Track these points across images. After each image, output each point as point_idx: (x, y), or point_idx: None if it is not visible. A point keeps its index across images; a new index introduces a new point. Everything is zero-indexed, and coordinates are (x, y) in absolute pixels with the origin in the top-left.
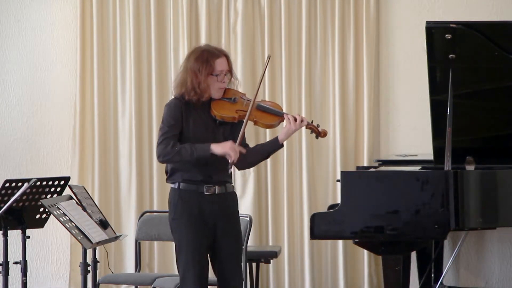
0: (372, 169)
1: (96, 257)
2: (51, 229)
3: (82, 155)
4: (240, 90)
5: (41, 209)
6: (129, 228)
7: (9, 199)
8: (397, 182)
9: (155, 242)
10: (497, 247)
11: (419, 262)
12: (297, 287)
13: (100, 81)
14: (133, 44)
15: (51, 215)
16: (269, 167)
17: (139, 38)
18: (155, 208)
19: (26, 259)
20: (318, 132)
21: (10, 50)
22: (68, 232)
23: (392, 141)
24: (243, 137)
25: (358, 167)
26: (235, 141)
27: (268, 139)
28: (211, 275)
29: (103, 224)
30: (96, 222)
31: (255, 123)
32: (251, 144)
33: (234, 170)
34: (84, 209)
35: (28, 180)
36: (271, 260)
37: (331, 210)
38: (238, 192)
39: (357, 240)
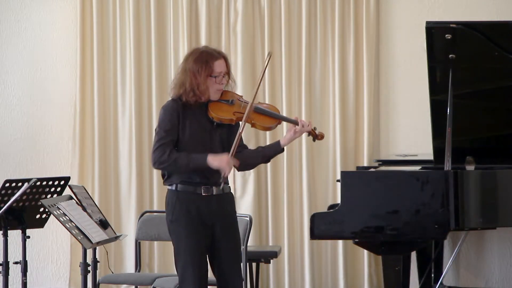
0: (372, 169)
1: (96, 257)
2: (51, 229)
3: (82, 155)
4: (240, 90)
5: (41, 209)
6: (129, 228)
7: (9, 199)
8: (397, 182)
9: (155, 242)
10: (497, 247)
11: (419, 262)
12: (297, 287)
13: (100, 81)
14: (133, 44)
15: (51, 215)
16: (269, 167)
17: (139, 38)
18: (155, 208)
19: (26, 259)
20: (315, 135)
21: (10, 50)
22: (68, 232)
23: (392, 141)
24: (240, 140)
25: (358, 167)
26: (232, 143)
27: (268, 141)
28: (211, 275)
29: (103, 224)
30: (96, 222)
31: (253, 125)
32: (251, 145)
33: (233, 170)
34: (84, 209)
35: (28, 180)
36: (271, 260)
37: (331, 210)
38: (238, 192)
39: (357, 240)
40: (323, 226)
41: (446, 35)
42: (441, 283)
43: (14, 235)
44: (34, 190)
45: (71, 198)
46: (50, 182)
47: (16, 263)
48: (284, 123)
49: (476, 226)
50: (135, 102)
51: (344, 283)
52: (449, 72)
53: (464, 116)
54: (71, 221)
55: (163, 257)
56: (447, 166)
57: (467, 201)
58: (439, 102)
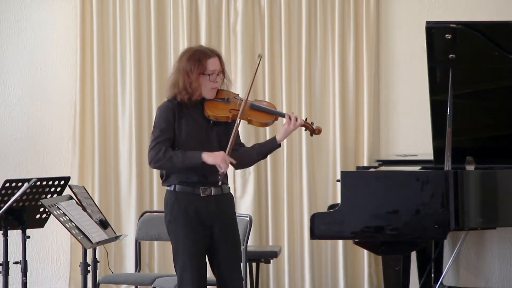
0: (372, 169)
1: (96, 257)
2: (51, 229)
3: (82, 155)
4: (240, 89)
5: (41, 209)
6: (129, 228)
7: (9, 199)
8: (397, 182)
9: (155, 242)
10: (497, 247)
11: (419, 262)
12: (297, 287)
13: (100, 81)
14: (133, 44)
15: (51, 215)
16: (269, 167)
17: (139, 38)
18: (155, 208)
19: (26, 259)
20: (312, 130)
21: (10, 50)
22: (68, 232)
23: (392, 141)
24: (237, 137)
25: (358, 167)
26: (228, 142)
27: (267, 137)
28: (210, 275)
29: (103, 224)
30: (96, 222)
31: (249, 122)
32: (250, 143)
33: (233, 170)
34: (84, 209)
35: (28, 180)
36: (271, 260)
37: (331, 210)
38: (238, 192)
39: (357, 240)
40: (323, 226)
41: (446, 35)
42: (441, 283)
43: (14, 235)
44: (34, 190)
45: (71, 198)
46: (50, 182)
47: (16, 263)
48: (284, 120)
49: (476, 226)
50: (135, 102)
51: (344, 283)
52: (449, 72)
53: (464, 116)
54: (71, 221)
55: (163, 257)
56: (447, 166)
57: (467, 201)
58: (439, 102)
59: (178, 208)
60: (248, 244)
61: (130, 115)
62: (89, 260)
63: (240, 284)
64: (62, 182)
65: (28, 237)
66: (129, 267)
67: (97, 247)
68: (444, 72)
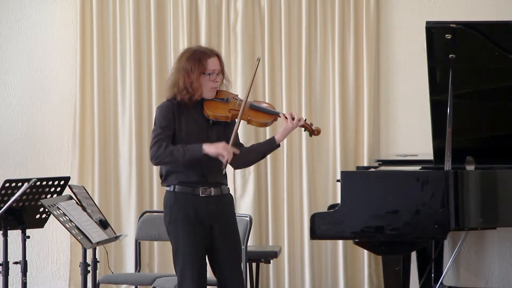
0: (372, 169)
1: (96, 257)
2: (51, 229)
3: (82, 155)
4: (240, 89)
5: (41, 209)
6: (129, 228)
7: (9, 199)
8: (397, 182)
9: (155, 242)
10: (497, 247)
11: (419, 262)
12: (297, 287)
13: (100, 81)
14: (133, 44)
15: (51, 215)
16: (269, 167)
17: (139, 38)
18: (155, 208)
19: (26, 259)
20: (311, 130)
21: (10, 50)
22: (68, 232)
23: (392, 141)
24: (236, 137)
25: (358, 167)
26: (229, 140)
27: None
28: (210, 275)
29: (103, 224)
30: (96, 222)
31: (249, 122)
32: (249, 143)
33: (233, 170)
34: (84, 209)
35: (28, 180)
36: (271, 260)
37: (331, 210)
38: (238, 192)
39: (357, 240)
40: (323, 226)
41: (446, 35)
42: (441, 283)
43: (14, 235)
44: (34, 190)
45: (71, 198)
46: (50, 182)
47: (16, 263)
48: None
49: (476, 226)
50: (135, 102)
51: (344, 283)
52: (449, 72)
53: (464, 116)
54: (71, 221)
55: (163, 257)
56: (447, 166)
57: (467, 201)
58: (439, 102)
59: (178, 208)
60: (248, 244)
61: (130, 115)
62: (89, 260)
63: (241, 284)
64: (62, 182)
65: (28, 237)
66: (129, 267)
67: (97, 247)
68: (444, 72)
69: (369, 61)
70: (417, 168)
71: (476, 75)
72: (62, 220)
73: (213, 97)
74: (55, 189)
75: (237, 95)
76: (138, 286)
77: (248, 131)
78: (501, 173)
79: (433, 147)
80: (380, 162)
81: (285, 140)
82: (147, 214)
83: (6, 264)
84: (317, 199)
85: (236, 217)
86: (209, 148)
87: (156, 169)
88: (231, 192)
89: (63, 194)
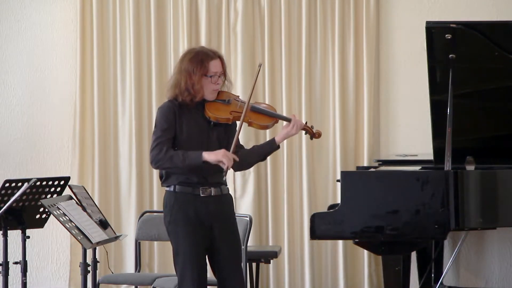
0: (372, 169)
1: (96, 257)
2: (51, 229)
3: (82, 155)
4: (240, 89)
5: (41, 209)
6: (129, 228)
7: (9, 199)
8: (397, 182)
9: (155, 242)
10: (497, 247)
11: (419, 262)
12: (297, 287)
13: (100, 81)
14: (133, 44)
15: (51, 215)
16: (269, 167)
17: (139, 38)
18: (155, 208)
19: (26, 259)
20: (312, 133)
21: (10, 50)
22: (68, 232)
23: (392, 141)
24: (238, 141)
25: (358, 167)
26: (229, 142)
27: (268, 139)
28: (210, 275)
29: (103, 224)
30: (96, 222)
31: (250, 124)
32: (249, 144)
33: (232, 171)
34: (84, 209)
35: (28, 180)
36: (271, 260)
37: (331, 210)
38: (238, 192)
39: (357, 240)
40: (323, 226)
41: (446, 35)
42: (441, 283)
43: (14, 235)
44: (34, 190)
45: (71, 198)
46: (50, 182)
47: (16, 263)
48: (284, 122)
49: (476, 226)
50: (135, 102)
51: (344, 283)
52: (449, 72)
53: (464, 116)
54: (71, 221)
55: (163, 257)
56: (447, 166)
57: (467, 201)
58: (439, 102)
59: (178, 208)
60: (248, 244)
61: (130, 115)
62: (89, 260)
63: (241, 284)
64: (62, 182)
65: (28, 237)
66: (129, 267)
67: (97, 247)
68: (444, 72)
69: (369, 61)
70: (417, 168)
71: (476, 75)
72: (62, 220)
73: (214, 98)
74: (55, 189)
75: (238, 96)
76: (138, 286)
77: (248, 132)
78: (501, 173)
79: (433, 147)
80: (380, 162)
81: (285, 140)
82: (147, 214)
83: (6, 264)
84: (317, 199)
85: (236, 217)
86: (209, 156)
87: (156, 170)
88: (231, 192)
89: (63, 194)
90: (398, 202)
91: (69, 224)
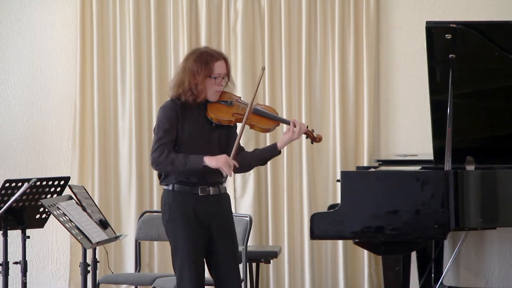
0: (372, 169)
1: (96, 257)
2: (51, 229)
3: (82, 155)
4: (240, 89)
5: (41, 209)
6: (129, 228)
7: (9, 199)
8: (397, 182)
9: (155, 242)
10: (497, 247)
11: (419, 262)
12: (297, 287)
13: (100, 81)
14: (133, 44)
15: (51, 215)
16: (269, 168)
17: (139, 38)
18: (155, 208)
19: (26, 259)
20: (313, 138)
21: (10, 50)
22: (68, 232)
23: (392, 141)
24: (239, 145)
25: (358, 167)
26: (230, 144)
27: (268, 143)
28: (207, 274)
29: (103, 224)
30: (96, 222)
31: (252, 127)
32: (251, 147)
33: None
34: (84, 209)
35: (28, 180)
36: (271, 260)
37: (331, 210)
38: (238, 192)
39: (357, 240)
40: (323, 226)
41: (446, 35)
42: (441, 283)
43: (14, 235)
44: (34, 190)
45: (71, 198)
46: (50, 182)
47: (16, 263)
48: (285, 125)
49: (476, 226)
50: (135, 102)
51: (344, 283)
52: (449, 72)
53: (464, 116)
54: (71, 221)
55: (163, 257)
56: (447, 166)
57: (467, 201)
58: (439, 102)
59: (176, 207)
60: (248, 244)
61: (130, 115)
62: (89, 260)
63: (237, 283)
64: (62, 182)
65: (28, 237)
66: (129, 267)
67: (97, 247)
68: (444, 72)
69: (369, 61)
70: (417, 168)
71: (476, 75)
72: (62, 220)
73: (216, 99)
74: (55, 189)
75: (240, 98)
76: (138, 286)
77: (248, 132)
78: (501, 173)
79: (433, 147)
80: (380, 162)
81: None
82: (147, 214)
83: (6, 264)
84: (317, 199)
85: (236, 217)
86: (210, 161)
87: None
88: (232, 192)
89: (63, 194)
90: (398, 202)
91: (69, 224)
